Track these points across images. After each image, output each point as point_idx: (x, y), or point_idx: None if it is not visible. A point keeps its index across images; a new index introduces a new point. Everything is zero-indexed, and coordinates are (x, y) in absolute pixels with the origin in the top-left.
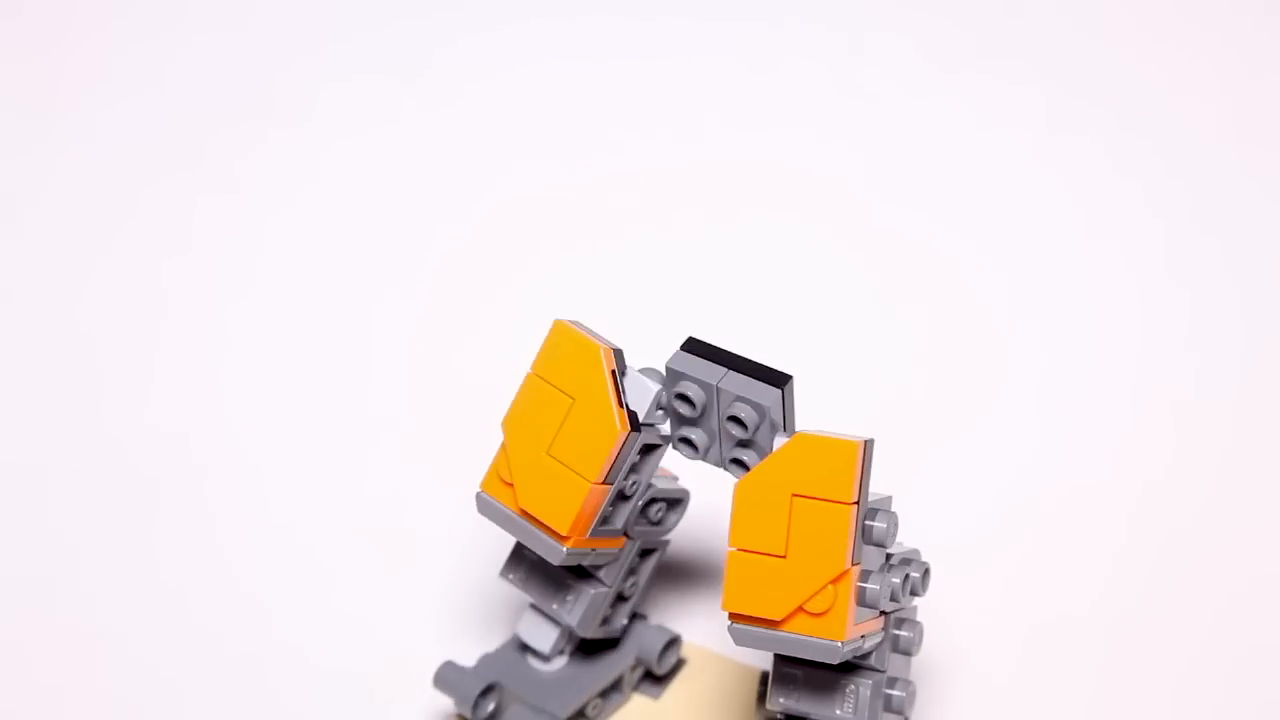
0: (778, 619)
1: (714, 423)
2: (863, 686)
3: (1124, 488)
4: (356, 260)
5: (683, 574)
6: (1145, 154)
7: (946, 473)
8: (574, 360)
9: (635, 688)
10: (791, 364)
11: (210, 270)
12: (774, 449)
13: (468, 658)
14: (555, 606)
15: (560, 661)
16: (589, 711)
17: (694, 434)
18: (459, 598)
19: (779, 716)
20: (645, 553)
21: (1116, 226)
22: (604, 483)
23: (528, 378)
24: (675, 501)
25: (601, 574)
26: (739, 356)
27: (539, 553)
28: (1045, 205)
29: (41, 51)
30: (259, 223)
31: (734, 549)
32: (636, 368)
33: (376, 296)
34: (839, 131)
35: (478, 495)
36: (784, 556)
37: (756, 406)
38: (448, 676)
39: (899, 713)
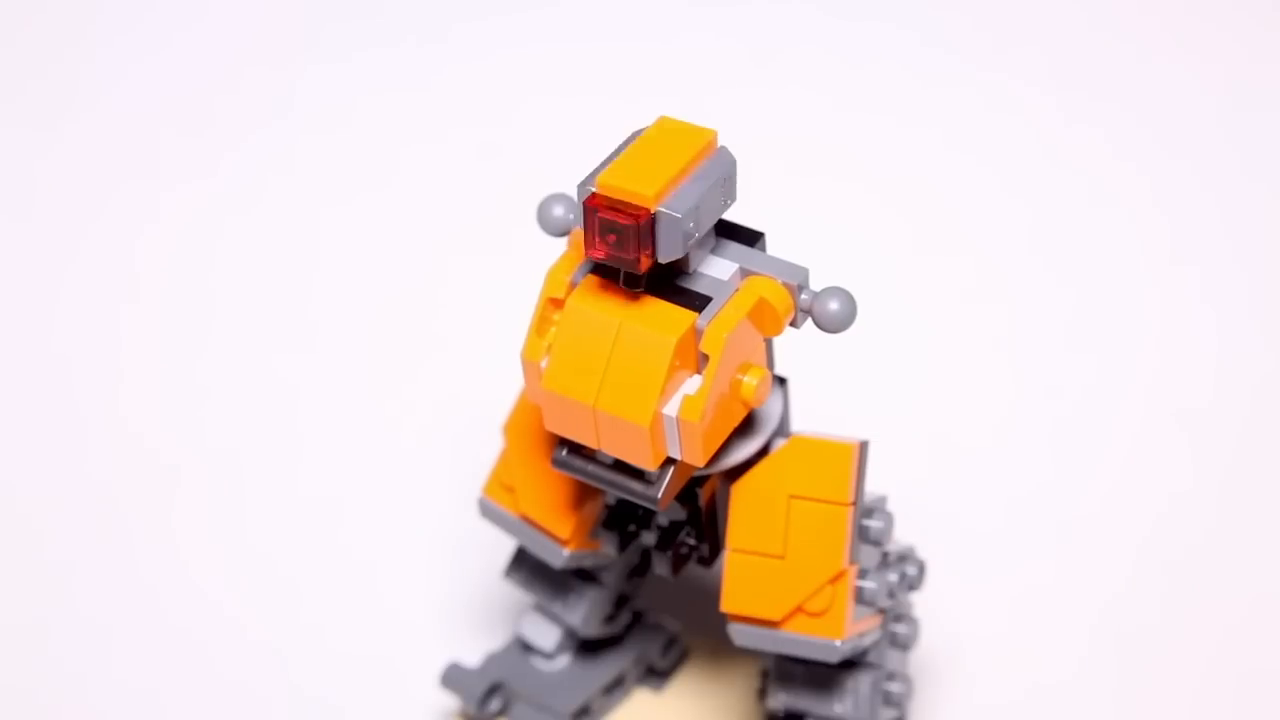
0: (777, 619)
1: None
2: (862, 682)
3: (1127, 488)
4: (355, 258)
5: (684, 570)
6: (1145, 150)
7: (948, 471)
8: None
9: (638, 683)
10: (791, 363)
11: (204, 262)
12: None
13: (473, 658)
14: (558, 607)
15: (563, 660)
16: (592, 708)
17: None
18: (463, 598)
19: (780, 713)
20: (646, 553)
21: (1118, 224)
22: None
23: None
24: None
25: (603, 575)
26: None
27: (541, 556)
28: (1051, 206)
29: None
30: (242, 212)
31: (732, 550)
32: None
33: (377, 297)
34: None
35: (480, 500)
36: (782, 557)
37: None
38: (454, 676)
39: (897, 707)
